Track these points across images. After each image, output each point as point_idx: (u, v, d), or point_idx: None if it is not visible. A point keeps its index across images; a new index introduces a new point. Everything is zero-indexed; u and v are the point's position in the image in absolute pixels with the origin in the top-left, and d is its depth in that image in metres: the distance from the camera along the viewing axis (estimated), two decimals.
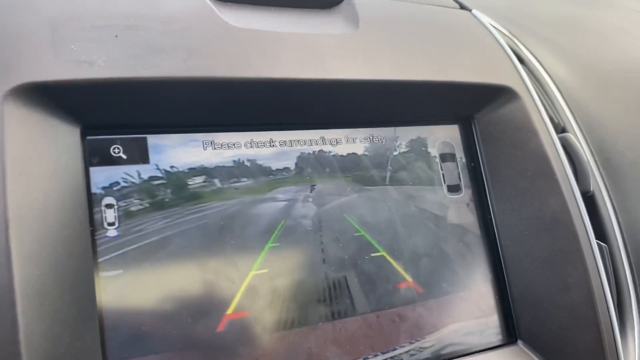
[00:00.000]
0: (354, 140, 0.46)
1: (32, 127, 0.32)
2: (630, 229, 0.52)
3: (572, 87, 0.59)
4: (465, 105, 0.49)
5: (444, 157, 0.50)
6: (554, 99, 0.57)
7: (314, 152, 0.44)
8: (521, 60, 0.56)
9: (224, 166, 0.40)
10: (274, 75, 0.39)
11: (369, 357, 0.42)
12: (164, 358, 0.36)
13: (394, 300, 0.44)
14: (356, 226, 0.44)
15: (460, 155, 0.50)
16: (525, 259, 0.47)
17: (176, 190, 0.38)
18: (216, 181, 0.40)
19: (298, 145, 0.44)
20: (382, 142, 0.47)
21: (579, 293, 0.44)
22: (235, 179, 0.41)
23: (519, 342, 0.48)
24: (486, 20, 0.54)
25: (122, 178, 0.37)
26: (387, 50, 0.44)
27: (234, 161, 0.41)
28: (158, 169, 0.38)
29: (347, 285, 0.42)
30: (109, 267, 0.35)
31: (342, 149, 0.45)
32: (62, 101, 0.34)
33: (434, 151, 0.49)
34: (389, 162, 0.47)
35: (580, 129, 0.56)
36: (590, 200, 0.50)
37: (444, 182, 0.49)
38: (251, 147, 0.42)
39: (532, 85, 0.50)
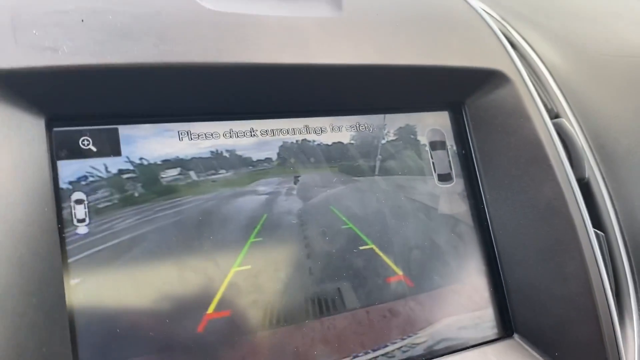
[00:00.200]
0: (339, 129, 0.44)
1: None
2: (627, 216, 0.51)
3: (564, 71, 0.59)
4: (455, 90, 0.48)
5: (434, 145, 0.48)
6: (546, 83, 0.57)
7: (297, 141, 0.43)
8: (512, 45, 0.55)
9: (201, 158, 0.39)
10: (253, 60, 0.37)
11: (359, 354, 0.41)
12: None
13: (384, 294, 0.43)
14: (343, 218, 0.43)
15: (450, 142, 0.49)
16: (520, 249, 0.46)
17: (150, 183, 0.37)
18: (193, 174, 0.38)
19: (280, 135, 0.42)
20: (369, 130, 0.46)
21: (577, 283, 0.43)
22: (214, 171, 0.39)
23: (515, 335, 0.47)
24: (476, 3, 0.52)
25: (92, 172, 0.35)
26: (373, 33, 0.43)
27: (212, 152, 0.39)
28: (130, 161, 0.36)
29: (335, 281, 0.41)
30: (79, 267, 0.34)
31: (327, 138, 0.44)
32: (24, 90, 0.32)
33: (423, 139, 0.48)
34: (377, 151, 0.45)
35: (574, 115, 0.55)
36: (585, 187, 0.50)
37: (435, 171, 0.48)
38: (230, 137, 0.40)
39: (524, 69, 0.49)
